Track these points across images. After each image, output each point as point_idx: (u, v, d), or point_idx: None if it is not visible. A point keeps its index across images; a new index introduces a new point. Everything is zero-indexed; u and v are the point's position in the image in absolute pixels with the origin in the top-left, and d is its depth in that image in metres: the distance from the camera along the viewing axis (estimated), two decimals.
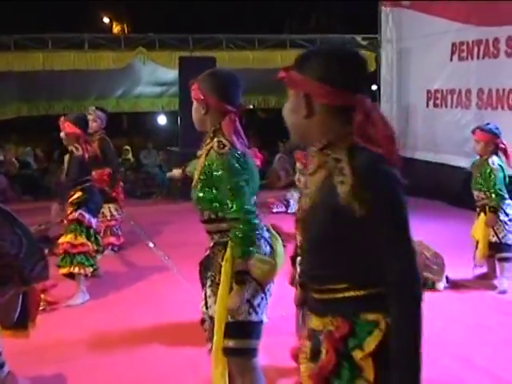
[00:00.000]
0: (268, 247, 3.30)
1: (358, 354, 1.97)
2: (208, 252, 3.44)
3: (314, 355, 2.10)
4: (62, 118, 6.20)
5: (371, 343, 1.96)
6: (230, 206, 3.16)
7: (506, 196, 6.21)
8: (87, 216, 6.09)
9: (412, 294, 1.95)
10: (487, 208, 6.26)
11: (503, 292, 6.24)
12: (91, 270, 6.18)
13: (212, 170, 3.22)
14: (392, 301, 1.94)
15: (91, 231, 6.18)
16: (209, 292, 3.37)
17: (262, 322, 3.31)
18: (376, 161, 1.97)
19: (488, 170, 6.19)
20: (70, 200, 6.12)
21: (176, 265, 7.26)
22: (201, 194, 3.28)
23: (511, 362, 4.72)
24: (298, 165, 4.26)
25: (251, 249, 3.16)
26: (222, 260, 3.28)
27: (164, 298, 6.25)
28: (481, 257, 6.38)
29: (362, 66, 2.12)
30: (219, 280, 3.28)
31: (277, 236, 3.40)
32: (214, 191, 3.24)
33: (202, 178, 3.29)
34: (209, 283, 3.38)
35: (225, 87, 3.37)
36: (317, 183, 2.10)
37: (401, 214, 1.96)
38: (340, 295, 2.03)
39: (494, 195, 6.17)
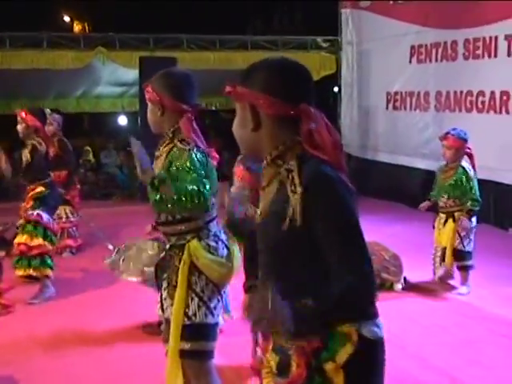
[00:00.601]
0: (225, 250, 3.31)
1: (329, 366, 1.97)
2: (163, 254, 3.43)
3: (282, 369, 2.08)
4: (21, 110, 6.06)
5: (343, 355, 1.96)
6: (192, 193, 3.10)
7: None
8: (45, 216, 6.01)
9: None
10: (455, 214, 6.28)
11: (462, 294, 6.31)
12: (50, 271, 6.10)
13: (174, 167, 3.20)
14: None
15: (48, 232, 6.09)
16: (165, 294, 3.36)
17: (217, 323, 3.33)
18: (322, 167, 2.00)
19: (464, 177, 6.20)
20: (31, 194, 6.02)
21: None
22: (159, 196, 3.22)
23: (468, 363, 4.78)
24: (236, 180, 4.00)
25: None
26: (179, 263, 3.27)
27: (122, 300, 6.19)
28: (450, 265, 6.38)
29: (305, 77, 2.16)
30: (175, 282, 3.27)
31: (233, 238, 3.42)
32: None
33: None
34: (164, 285, 3.37)
35: (179, 87, 3.37)
36: (270, 195, 2.11)
37: (347, 218, 1.96)
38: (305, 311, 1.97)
39: (471, 201, 6.17)
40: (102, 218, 10.07)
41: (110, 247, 8.19)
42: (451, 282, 6.55)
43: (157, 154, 3.46)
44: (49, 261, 6.09)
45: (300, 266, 2.02)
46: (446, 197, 6.36)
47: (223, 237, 3.35)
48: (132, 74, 12.28)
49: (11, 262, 6.20)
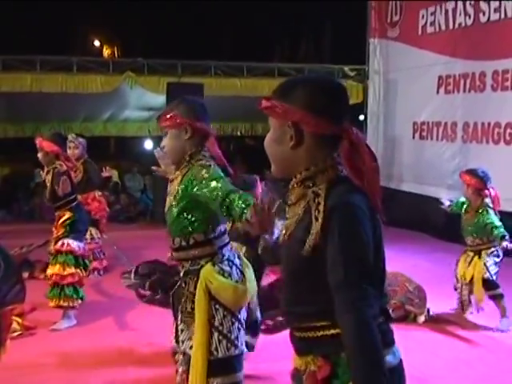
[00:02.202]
0: (239, 273, 3.32)
1: None
2: (179, 281, 3.44)
3: None
4: (38, 138, 6.07)
5: None
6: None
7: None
8: (75, 244, 6.00)
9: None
10: (483, 252, 6.18)
11: (503, 331, 6.15)
12: (79, 301, 6.11)
13: (196, 189, 3.21)
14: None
15: (79, 259, 6.10)
16: (181, 326, 3.37)
17: (242, 353, 3.31)
18: (349, 195, 1.94)
19: (485, 218, 6.13)
20: (60, 222, 6.03)
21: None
22: (176, 214, 3.30)
23: None
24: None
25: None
26: (194, 289, 3.28)
27: (144, 324, 6.16)
28: (481, 299, 6.24)
29: (346, 95, 2.12)
30: (191, 309, 3.28)
31: (247, 263, 3.42)
32: (189, 214, 3.26)
33: (178, 198, 3.31)
34: (180, 316, 3.38)
35: (201, 112, 3.45)
36: (296, 215, 2.06)
37: (355, 251, 1.89)
38: (320, 333, 1.97)
39: (496, 230, 6.04)
40: (124, 241, 10.09)
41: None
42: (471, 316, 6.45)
43: (171, 177, 3.51)
44: (81, 291, 6.10)
45: (320, 292, 1.95)
46: (471, 236, 6.30)
47: (237, 261, 3.36)
48: (159, 99, 12.37)
49: (34, 284, 6.22)
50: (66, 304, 6.02)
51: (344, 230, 1.89)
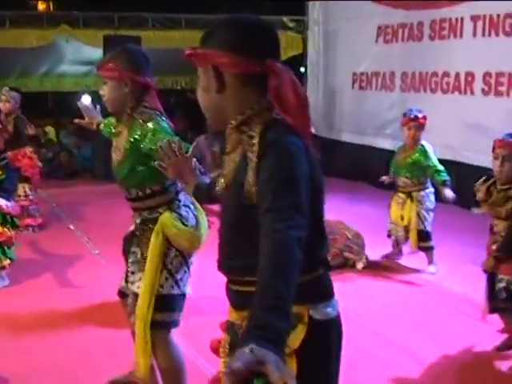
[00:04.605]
0: (194, 220, 3.37)
1: None
2: (133, 228, 3.48)
3: (234, 350, 1.94)
4: None
5: (295, 339, 1.88)
6: None
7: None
8: (2, 203, 5.84)
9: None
10: (414, 194, 6.32)
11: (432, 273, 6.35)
12: (8, 262, 5.94)
13: (142, 139, 3.22)
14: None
15: (7, 217, 5.94)
16: (133, 268, 3.43)
17: (184, 294, 3.39)
18: (285, 135, 1.86)
19: (423, 156, 6.27)
20: None
21: (97, 247, 7.13)
22: (127, 170, 3.33)
23: (427, 340, 4.83)
24: None
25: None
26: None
27: (84, 281, 6.09)
28: (415, 246, 6.39)
29: (269, 32, 2.04)
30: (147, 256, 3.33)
31: (201, 209, 3.45)
32: (142, 167, 3.29)
33: (127, 153, 3.31)
34: (132, 259, 3.43)
35: (142, 63, 3.39)
36: (233, 163, 2.02)
37: (287, 183, 1.75)
38: None
39: (437, 172, 6.20)
40: (64, 197, 9.95)
41: (72, 227, 8.13)
42: (401, 261, 6.65)
43: (116, 130, 3.50)
44: (9, 251, 5.92)
45: (258, 242, 1.80)
46: (405, 176, 6.39)
47: (192, 207, 3.41)
48: (96, 52, 12.10)
49: None
50: None
51: (278, 161, 1.79)
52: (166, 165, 2.61)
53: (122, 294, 3.66)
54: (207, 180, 2.59)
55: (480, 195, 4.44)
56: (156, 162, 2.71)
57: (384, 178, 6.64)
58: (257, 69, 1.94)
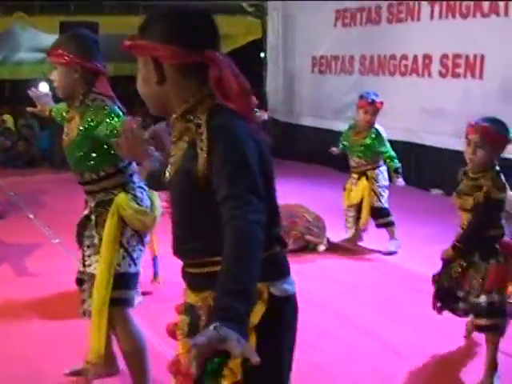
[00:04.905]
0: (148, 201, 3.42)
1: None
2: (87, 212, 3.50)
3: (193, 330, 2.03)
4: None
5: (254, 315, 1.90)
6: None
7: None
8: None
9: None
10: (368, 173, 6.37)
11: (390, 253, 6.40)
12: None
13: (96, 125, 3.23)
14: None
15: None
16: (89, 251, 3.46)
17: (138, 273, 3.46)
18: (230, 120, 1.92)
19: (376, 140, 6.31)
20: None
21: (57, 235, 7.04)
22: (81, 154, 3.33)
23: (388, 320, 4.87)
24: None
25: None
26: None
27: (44, 270, 6.01)
28: (366, 222, 6.45)
29: (207, 23, 2.05)
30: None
31: (153, 191, 3.47)
32: (95, 152, 3.30)
33: (80, 139, 3.31)
34: (88, 242, 3.47)
35: (93, 48, 3.40)
36: (180, 151, 2.04)
37: (239, 166, 1.83)
38: (217, 268, 1.84)
39: (389, 159, 6.32)
40: (22, 186, 9.82)
41: (31, 216, 8.03)
42: (361, 243, 6.68)
43: (68, 116, 3.49)
44: None
45: (212, 225, 1.92)
46: (358, 156, 6.43)
47: (146, 187, 3.42)
48: (53, 39, 11.89)
49: None
50: None
51: (228, 147, 1.86)
52: (121, 143, 2.62)
53: (80, 282, 3.66)
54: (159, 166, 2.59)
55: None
56: (113, 140, 2.71)
57: (334, 149, 6.66)
58: (195, 59, 1.98)
